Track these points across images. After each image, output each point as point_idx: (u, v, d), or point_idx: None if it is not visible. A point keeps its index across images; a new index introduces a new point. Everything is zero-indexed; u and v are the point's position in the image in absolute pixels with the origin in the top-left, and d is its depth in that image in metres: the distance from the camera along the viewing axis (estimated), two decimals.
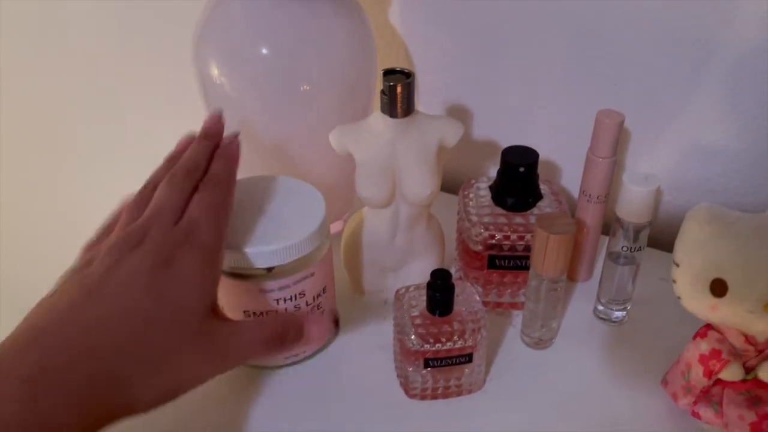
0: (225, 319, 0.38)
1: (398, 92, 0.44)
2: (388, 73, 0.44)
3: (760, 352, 0.39)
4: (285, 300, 0.44)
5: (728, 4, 0.48)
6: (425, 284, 0.43)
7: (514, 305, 0.52)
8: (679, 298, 0.40)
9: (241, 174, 0.43)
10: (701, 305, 0.38)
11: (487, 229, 0.48)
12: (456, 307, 0.43)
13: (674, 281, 0.40)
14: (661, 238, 0.56)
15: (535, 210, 0.49)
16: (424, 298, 0.44)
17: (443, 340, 0.42)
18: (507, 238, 0.48)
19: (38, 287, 0.37)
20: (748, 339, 0.39)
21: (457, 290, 0.43)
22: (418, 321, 0.43)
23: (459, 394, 0.45)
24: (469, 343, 0.43)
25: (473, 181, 0.53)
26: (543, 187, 0.51)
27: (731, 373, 0.39)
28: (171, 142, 0.43)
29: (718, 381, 0.41)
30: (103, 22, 0.78)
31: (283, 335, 0.39)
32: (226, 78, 0.49)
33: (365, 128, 0.46)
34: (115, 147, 0.86)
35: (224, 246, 0.39)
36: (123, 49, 0.79)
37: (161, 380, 0.34)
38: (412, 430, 0.44)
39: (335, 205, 0.56)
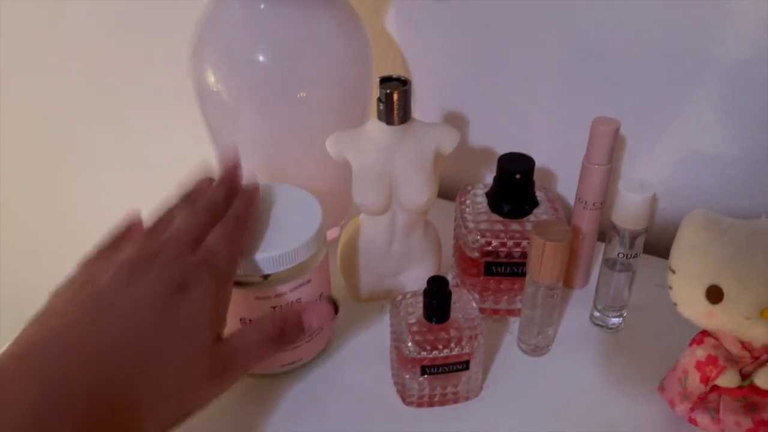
0: (226, 339, 0.37)
1: (395, 100, 0.44)
2: (385, 80, 0.45)
3: (756, 358, 0.40)
4: (282, 307, 0.44)
5: (722, 13, 0.48)
6: (422, 291, 0.43)
7: (511, 312, 0.52)
8: (675, 304, 0.40)
9: None
10: (697, 311, 0.39)
11: (483, 236, 0.48)
12: (453, 314, 0.43)
13: (670, 288, 0.40)
14: (657, 244, 0.57)
15: (531, 217, 0.50)
16: (421, 305, 0.44)
17: (440, 347, 0.42)
18: (503, 245, 0.48)
19: (38, 287, 0.36)
20: (745, 345, 0.40)
21: (453, 297, 0.43)
22: (415, 328, 0.43)
23: (456, 401, 0.45)
24: (466, 350, 0.43)
25: (470, 188, 0.53)
26: (539, 194, 0.51)
27: (728, 379, 0.39)
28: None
29: (715, 387, 0.41)
30: (103, 22, 0.78)
31: (282, 330, 0.38)
32: (223, 85, 0.50)
33: (362, 135, 0.47)
34: (115, 148, 0.86)
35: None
36: (123, 50, 0.79)
37: (170, 409, 0.33)
38: None
39: (332, 212, 0.56)
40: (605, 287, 0.49)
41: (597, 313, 0.51)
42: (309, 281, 0.44)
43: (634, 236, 0.46)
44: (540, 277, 0.44)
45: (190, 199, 0.42)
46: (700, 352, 0.40)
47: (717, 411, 0.41)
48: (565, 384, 0.47)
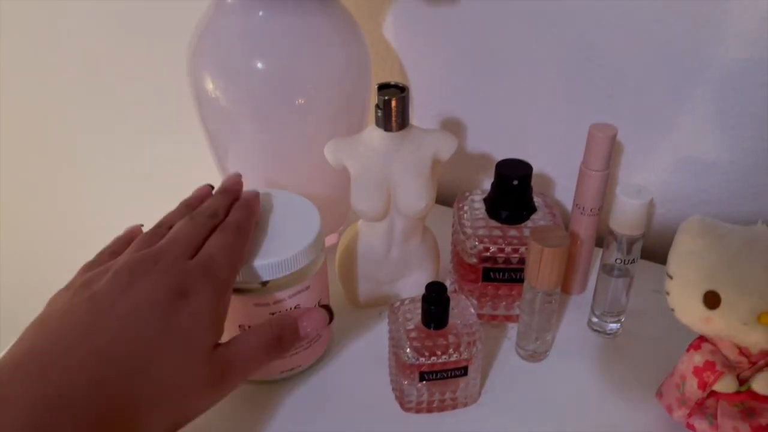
0: (225, 345, 0.37)
1: (393, 106, 0.44)
2: (383, 87, 0.45)
3: (754, 363, 0.40)
4: (279, 314, 0.44)
5: (722, 13, 0.48)
6: (420, 297, 0.43)
7: (509, 318, 0.52)
8: (672, 310, 0.40)
9: None
10: (695, 317, 0.39)
11: (481, 242, 0.48)
12: (451, 320, 0.44)
13: (668, 293, 0.40)
14: (655, 250, 0.57)
15: (529, 223, 0.50)
16: (419, 311, 0.44)
17: (438, 353, 0.42)
18: (501, 250, 0.48)
19: (38, 287, 0.36)
20: (742, 351, 0.40)
21: (452, 303, 0.43)
22: (413, 334, 0.43)
23: (454, 407, 0.45)
24: (465, 356, 0.43)
25: (467, 194, 0.53)
26: (537, 200, 0.51)
27: (725, 384, 0.39)
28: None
29: (713, 393, 0.41)
30: (103, 22, 0.78)
31: (280, 336, 0.38)
32: (222, 91, 0.50)
33: (360, 142, 0.47)
34: (115, 148, 0.86)
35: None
36: (123, 50, 0.79)
37: (169, 415, 0.33)
38: None
39: (330, 219, 0.56)
40: (603, 293, 0.49)
41: (595, 319, 0.51)
42: (308, 288, 0.44)
43: (631, 242, 0.46)
44: (538, 282, 0.44)
45: (190, 206, 0.42)
46: (698, 358, 0.40)
47: (715, 416, 0.41)
48: (563, 390, 0.47)
